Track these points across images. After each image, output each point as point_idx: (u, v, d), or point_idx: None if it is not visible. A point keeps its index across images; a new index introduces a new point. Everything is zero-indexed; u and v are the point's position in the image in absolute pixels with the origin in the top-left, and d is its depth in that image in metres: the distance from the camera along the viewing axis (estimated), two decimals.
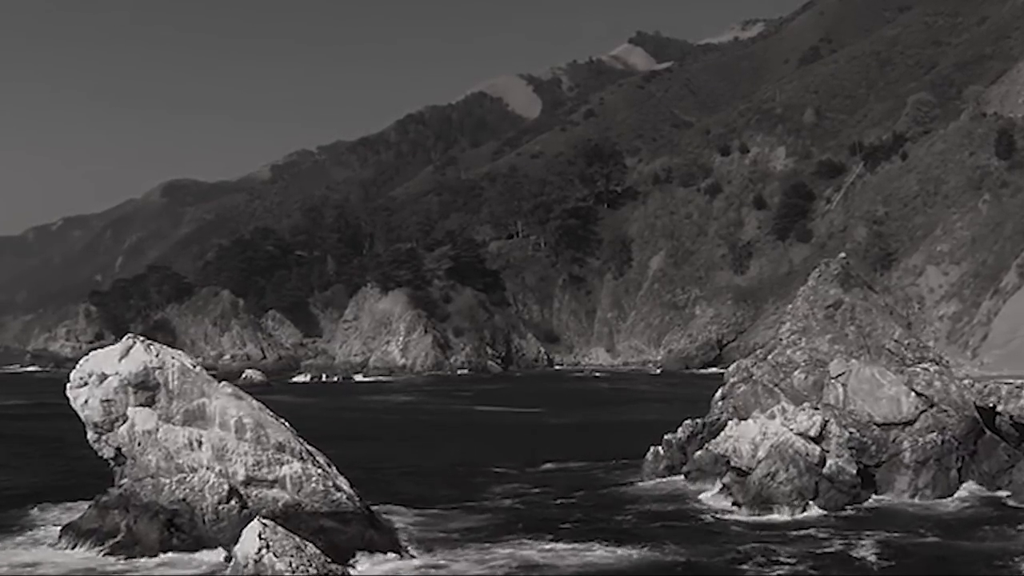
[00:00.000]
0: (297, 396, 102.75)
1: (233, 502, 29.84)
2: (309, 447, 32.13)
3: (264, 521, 24.20)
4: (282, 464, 30.45)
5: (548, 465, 50.06)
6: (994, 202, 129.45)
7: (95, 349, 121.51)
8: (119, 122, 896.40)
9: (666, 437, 45.03)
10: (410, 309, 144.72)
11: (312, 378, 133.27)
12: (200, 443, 30.81)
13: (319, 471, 30.88)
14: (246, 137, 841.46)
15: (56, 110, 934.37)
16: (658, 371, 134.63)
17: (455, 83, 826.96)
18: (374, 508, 37.92)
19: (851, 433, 38.67)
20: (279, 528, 24.05)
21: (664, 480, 43.19)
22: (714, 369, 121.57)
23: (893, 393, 39.78)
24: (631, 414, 77.50)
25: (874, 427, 39.51)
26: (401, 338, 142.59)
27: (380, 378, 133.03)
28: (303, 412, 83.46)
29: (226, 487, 29.98)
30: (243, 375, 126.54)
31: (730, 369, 46.58)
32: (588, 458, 51.57)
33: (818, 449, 37.63)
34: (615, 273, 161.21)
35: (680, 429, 44.86)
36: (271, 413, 32.75)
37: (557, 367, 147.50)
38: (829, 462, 37.54)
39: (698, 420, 44.95)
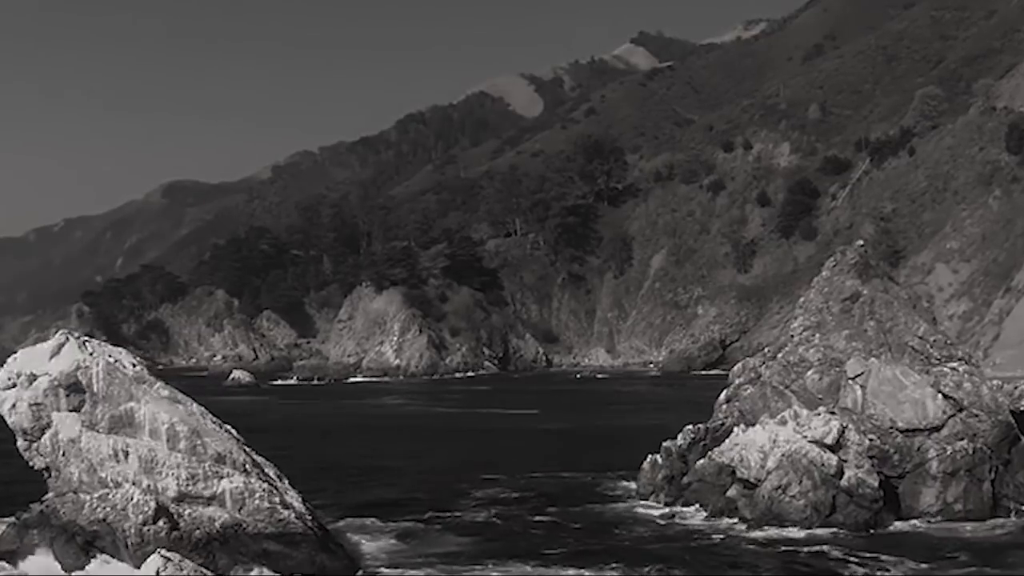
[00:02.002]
0: (282, 398, 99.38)
1: (161, 522, 25.84)
2: (257, 457, 28.23)
3: (166, 555, 20.36)
4: (221, 478, 26.50)
5: (537, 473, 46.23)
6: (1005, 198, 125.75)
7: None
8: (123, 124, 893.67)
9: (665, 444, 40.52)
10: (405, 308, 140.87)
11: (301, 379, 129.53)
12: (126, 454, 26.87)
13: (265, 486, 26.93)
14: (250, 139, 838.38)
15: (59, 111, 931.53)
16: (657, 372, 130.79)
17: (458, 83, 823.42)
18: (342, 521, 34.28)
19: (871, 440, 34.55)
20: (186, 562, 20.20)
21: (662, 492, 38.93)
22: (715, 371, 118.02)
23: (918, 396, 35.62)
24: (630, 418, 73.79)
25: (896, 434, 35.35)
26: (395, 338, 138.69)
27: (373, 379, 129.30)
28: (282, 414, 79.98)
29: (153, 505, 25.98)
30: (231, 376, 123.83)
31: (735, 369, 42.20)
32: (581, 467, 47.79)
33: (835, 459, 33.53)
34: (615, 272, 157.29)
35: (680, 436, 40.34)
36: (214, 419, 28.84)
37: (556, 368, 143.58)
38: (847, 473, 33.43)
39: (700, 426, 40.36)
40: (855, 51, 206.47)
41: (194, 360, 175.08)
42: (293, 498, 27.71)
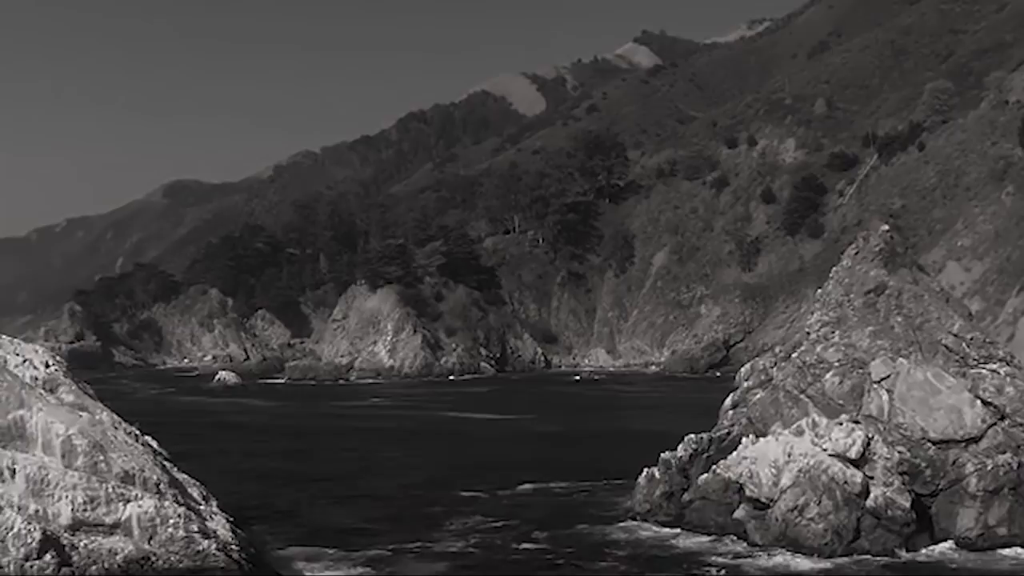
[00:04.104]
0: (265, 399, 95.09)
1: (48, 556, 21.44)
2: (178, 475, 23.84)
3: None
4: (127, 501, 22.11)
5: (526, 486, 41.95)
6: (1018, 194, 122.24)
7: (74, 349, 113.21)
8: (128, 124, 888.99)
9: (663, 456, 35.62)
10: (399, 307, 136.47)
11: (291, 380, 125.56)
12: (13, 472, 22.48)
13: (181, 510, 22.54)
14: (253, 139, 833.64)
15: (63, 111, 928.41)
16: (659, 370, 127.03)
17: (461, 83, 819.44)
18: (293, 550, 29.76)
19: (900, 453, 30.00)
20: None
21: (660, 511, 34.23)
22: (718, 373, 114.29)
23: (953, 402, 31.08)
24: (629, 422, 69.85)
25: (929, 445, 30.82)
26: (389, 338, 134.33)
27: (366, 380, 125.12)
28: (258, 418, 75.80)
29: (38, 535, 21.54)
30: (216, 377, 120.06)
31: (743, 371, 37.53)
32: (574, 476, 43.62)
33: (860, 475, 29.08)
34: (616, 270, 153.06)
35: (681, 446, 35.59)
36: (129, 429, 24.44)
37: (555, 369, 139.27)
38: (874, 492, 28.95)
39: (703, 435, 35.62)
40: (862, 45, 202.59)
41: (187, 360, 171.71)
42: (219, 524, 23.33)
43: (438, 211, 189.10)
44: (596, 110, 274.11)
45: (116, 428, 23.94)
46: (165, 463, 24.16)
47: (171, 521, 22.10)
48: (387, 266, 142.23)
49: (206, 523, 22.93)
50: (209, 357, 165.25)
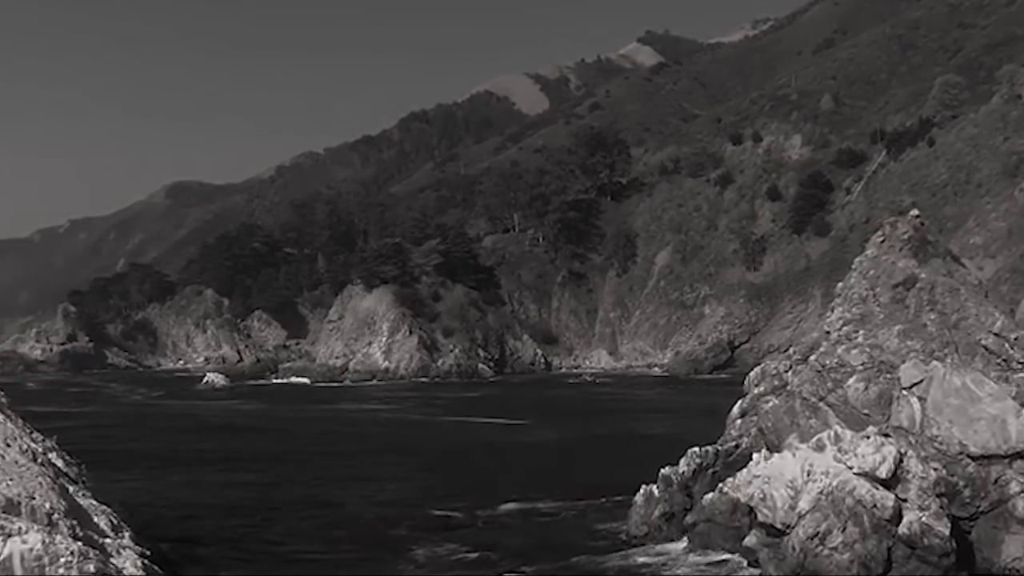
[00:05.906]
0: (250, 403, 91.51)
1: None
2: (83, 501, 20.01)
3: None
4: (8, 536, 18.22)
5: (510, 505, 37.88)
6: None
7: (66, 350, 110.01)
8: (129, 126, 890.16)
9: (663, 472, 31.57)
10: (395, 308, 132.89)
11: (283, 381, 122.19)
12: None
13: (76, 546, 18.66)
14: (256, 141, 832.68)
15: (66, 112, 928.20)
16: (662, 372, 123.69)
17: (464, 83, 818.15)
18: None
19: (936, 471, 26.10)
20: None
21: (659, 533, 30.29)
22: (724, 374, 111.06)
23: (995, 411, 27.09)
24: (629, 427, 66.06)
25: (967, 461, 26.91)
26: (384, 339, 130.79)
27: (360, 382, 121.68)
28: (233, 422, 72.08)
29: None
30: (204, 379, 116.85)
31: (752, 375, 33.49)
32: (565, 493, 39.64)
33: (891, 498, 25.09)
34: (618, 270, 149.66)
35: (683, 461, 31.56)
36: (27, 447, 20.60)
37: (556, 371, 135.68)
38: (908, 517, 24.98)
39: (708, 448, 31.61)
40: (869, 40, 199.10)
41: (182, 362, 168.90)
42: (127, 561, 19.45)
43: (438, 210, 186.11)
44: (599, 108, 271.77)
45: (9, 446, 20.14)
46: (69, 486, 20.34)
47: (62, 560, 18.22)
48: (383, 265, 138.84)
49: (110, 560, 19.08)
50: (202, 359, 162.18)
